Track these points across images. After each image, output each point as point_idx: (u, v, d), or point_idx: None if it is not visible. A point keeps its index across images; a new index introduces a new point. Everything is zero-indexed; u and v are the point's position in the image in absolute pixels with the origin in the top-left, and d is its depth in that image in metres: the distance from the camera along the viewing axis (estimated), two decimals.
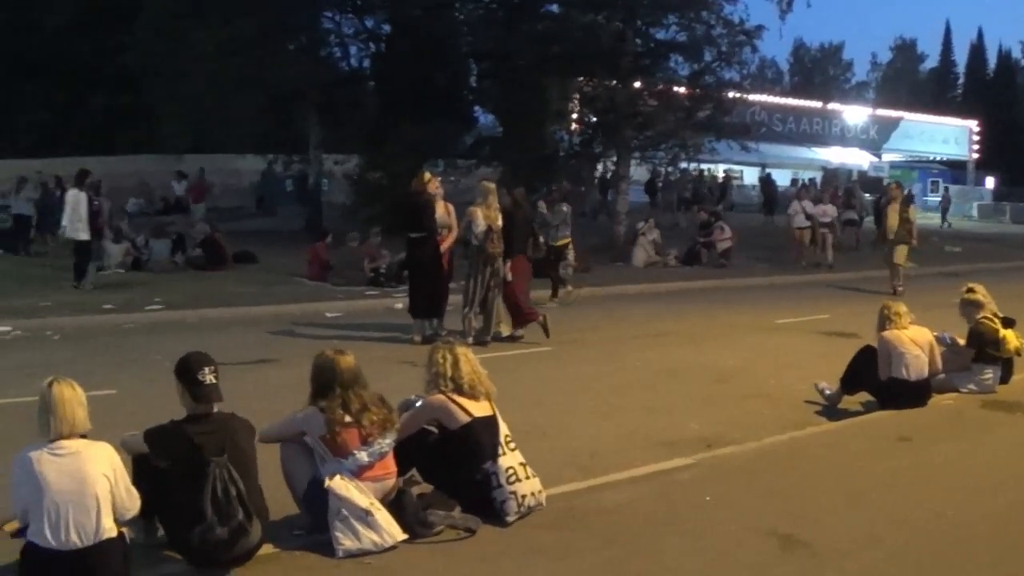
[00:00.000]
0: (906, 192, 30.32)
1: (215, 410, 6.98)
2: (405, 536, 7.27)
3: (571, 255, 23.59)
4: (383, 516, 7.22)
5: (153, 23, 38.25)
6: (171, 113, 41.30)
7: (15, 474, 6.22)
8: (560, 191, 26.84)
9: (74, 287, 21.79)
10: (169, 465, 6.81)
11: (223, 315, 19.55)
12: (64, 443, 6.19)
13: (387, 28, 38.34)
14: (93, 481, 6.16)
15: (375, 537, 7.11)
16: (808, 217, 31.35)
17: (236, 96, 34.31)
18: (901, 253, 24.96)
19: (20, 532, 6.39)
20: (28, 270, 25.58)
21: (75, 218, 22.10)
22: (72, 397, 6.27)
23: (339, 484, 7.19)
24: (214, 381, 6.91)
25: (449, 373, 8.06)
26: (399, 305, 19.38)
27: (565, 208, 23.66)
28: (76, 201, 22.28)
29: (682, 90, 35.27)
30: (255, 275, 24.76)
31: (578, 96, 37.23)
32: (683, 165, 41.11)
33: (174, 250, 26.72)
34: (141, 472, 6.88)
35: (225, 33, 31.64)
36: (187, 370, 6.92)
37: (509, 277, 16.66)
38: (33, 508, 6.10)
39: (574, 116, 38.28)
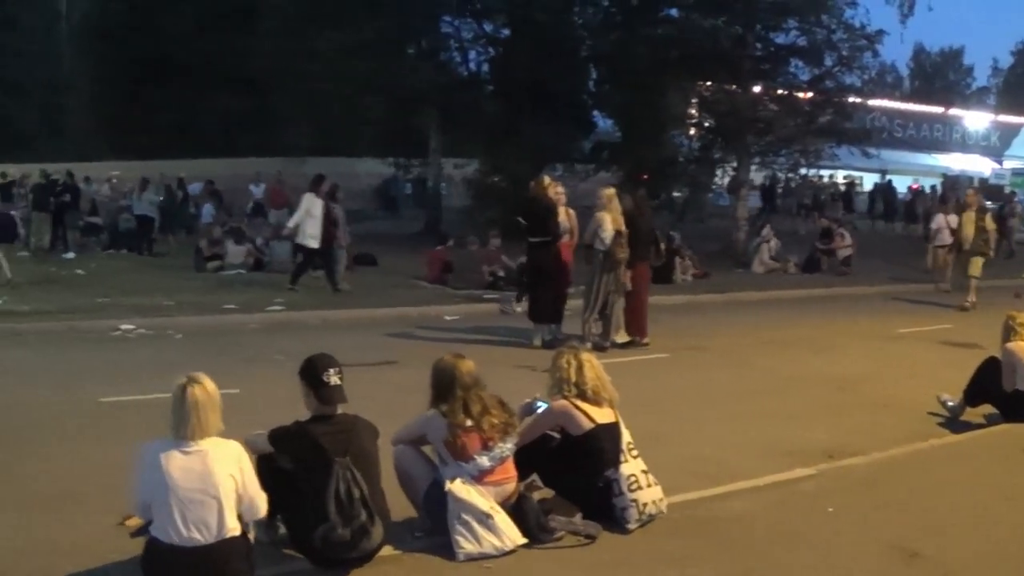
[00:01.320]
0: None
1: (339, 411, 7.00)
2: (525, 541, 7.25)
3: None
4: (503, 520, 7.21)
5: (276, 26, 38.75)
6: (294, 115, 41.80)
7: (140, 466, 6.28)
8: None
9: (289, 289, 21.91)
10: (293, 465, 6.86)
11: (343, 317, 19.71)
12: (193, 441, 6.23)
13: (506, 32, 38.39)
14: (219, 480, 6.21)
15: (495, 541, 7.11)
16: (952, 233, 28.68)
17: (358, 99, 34.63)
18: (976, 265, 23.72)
19: (142, 531, 6.51)
20: (150, 270, 26.03)
21: (308, 224, 22.11)
22: (205, 400, 6.28)
23: (459, 487, 7.21)
24: (339, 383, 6.94)
25: (573, 378, 8.01)
26: (518, 309, 19.40)
27: None
28: (310, 206, 22.24)
29: (803, 95, 34.90)
30: (375, 277, 24.92)
31: (697, 101, 36.99)
32: (803, 171, 40.65)
33: (295, 251, 26.96)
34: (265, 471, 6.87)
35: (347, 37, 31.91)
36: (312, 371, 6.95)
37: (628, 286, 16.53)
38: (157, 504, 6.16)
39: (692, 121, 38.06)
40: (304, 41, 34.61)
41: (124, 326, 18.24)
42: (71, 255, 29.37)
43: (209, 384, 6.37)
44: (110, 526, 7.50)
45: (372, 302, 21.07)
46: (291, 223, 22.75)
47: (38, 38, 64.36)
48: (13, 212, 31.91)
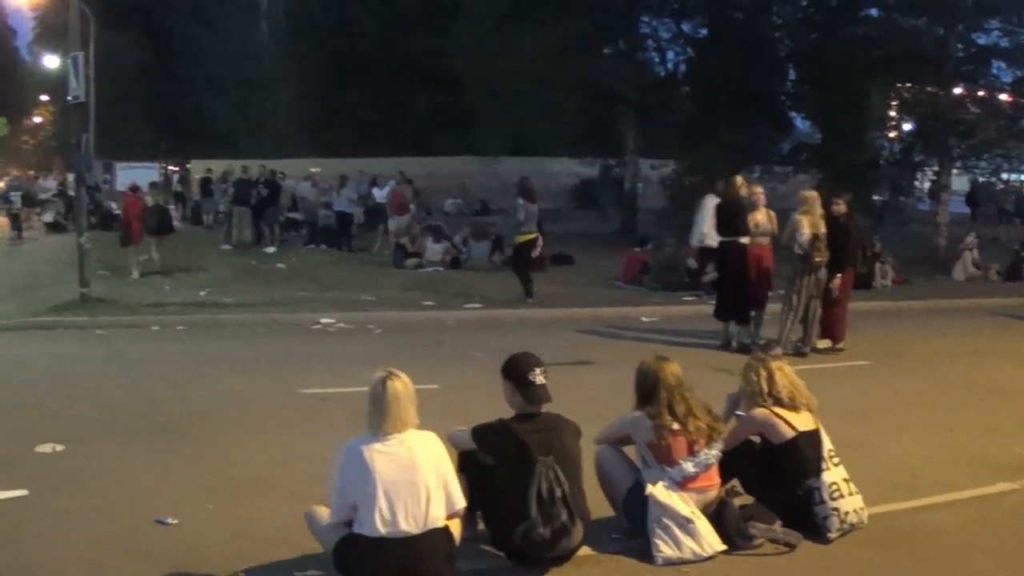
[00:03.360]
0: None
1: (543, 410, 7.04)
2: (724, 547, 7.22)
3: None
4: (704, 525, 7.18)
5: (473, 26, 39.09)
6: (490, 115, 42.06)
7: (342, 463, 6.43)
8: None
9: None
10: (496, 462, 6.92)
11: (540, 315, 19.82)
12: (393, 435, 6.36)
13: (703, 31, 38.21)
14: (424, 470, 6.33)
15: (695, 546, 7.08)
16: None
17: (555, 98, 34.78)
18: None
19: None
20: (350, 265, 26.66)
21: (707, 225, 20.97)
22: (405, 393, 6.40)
23: (661, 491, 7.19)
24: (544, 382, 6.97)
25: (766, 389, 7.95)
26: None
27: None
28: (709, 206, 21.07)
29: (1005, 97, 34.04)
30: (572, 277, 25.04)
31: (897, 102, 36.34)
32: (1005, 176, 39.61)
33: (492, 250, 27.23)
34: (466, 467, 7.01)
35: (545, 36, 32.09)
36: (517, 370, 7.01)
37: (835, 293, 16.29)
38: (362, 499, 6.28)
39: (893, 123, 37.40)
40: (502, 40, 34.90)
41: (324, 320, 18.77)
42: (272, 249, 30.08)
43: (405, 378, 6.50)
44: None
45: (569, 302, 21.20)
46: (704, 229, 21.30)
47: (239, 38, 65.94)
48: (170, 205, 33.03)
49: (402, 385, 6.43)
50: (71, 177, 32.31)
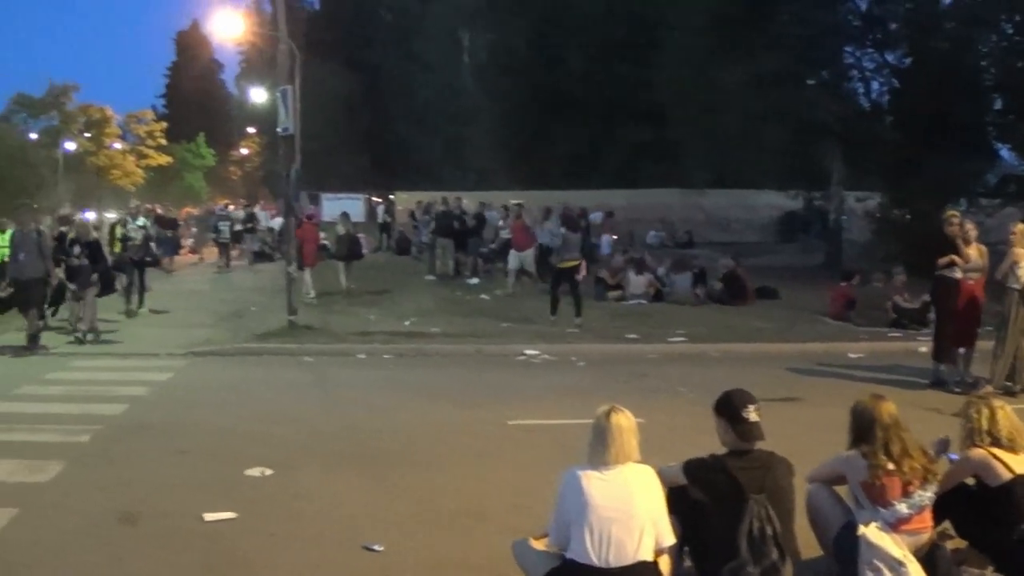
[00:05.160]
0: None
1: (756, 447, 6.98)
2: None
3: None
4: (915, 568, 6.99)
5: (677, 59, 39.13)
6: (695, 147, 42.01)
7: (562, 489, 6.47)
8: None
9: None
10: (706, 498, 6.84)
11: (745, 350, 19.61)
12: (614, 466, 6.41)
13: (907, 62, 37.63)
14: (639, 503, 6.35)
15: None
16: None
17: (761, 130, 34.63)
18: None
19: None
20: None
21: None
22: (628, 427, 6.47)
23: (874, 532, 7.04)
24: (757, 419, 6.86)
25: (985, 427, 7.76)
26: (923, 348, 18.89)
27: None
28: None
29: None
30: (777, 311, 24.67)
31: None
32: None
33: (695, 283, 27.14)
34: (676, 501, 6.91)
35: (749, 68, 32.01)
36: (730, 407, 6.92)
37: None
38: (575, 525, 6.32)
39: None
40: (705, 73, 34.91)
41: (528, 351, 18.99)
42: (475, 280, 30.49)
43: (629, 413, 6.57)
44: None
45: (774, 336, 20.96)
46: None
47: (442, 72, 67.08)
48: (359, 235, 33.49)
49: (625, 419, 6.52)
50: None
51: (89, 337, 20.31)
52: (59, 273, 20.44)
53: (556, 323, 21.89)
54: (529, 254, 28.73)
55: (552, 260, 23.77)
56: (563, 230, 22.70)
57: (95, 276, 20.40)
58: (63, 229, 22.16)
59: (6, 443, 12.04)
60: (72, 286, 20.47)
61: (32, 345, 19.31)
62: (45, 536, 8.75)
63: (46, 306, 20.93)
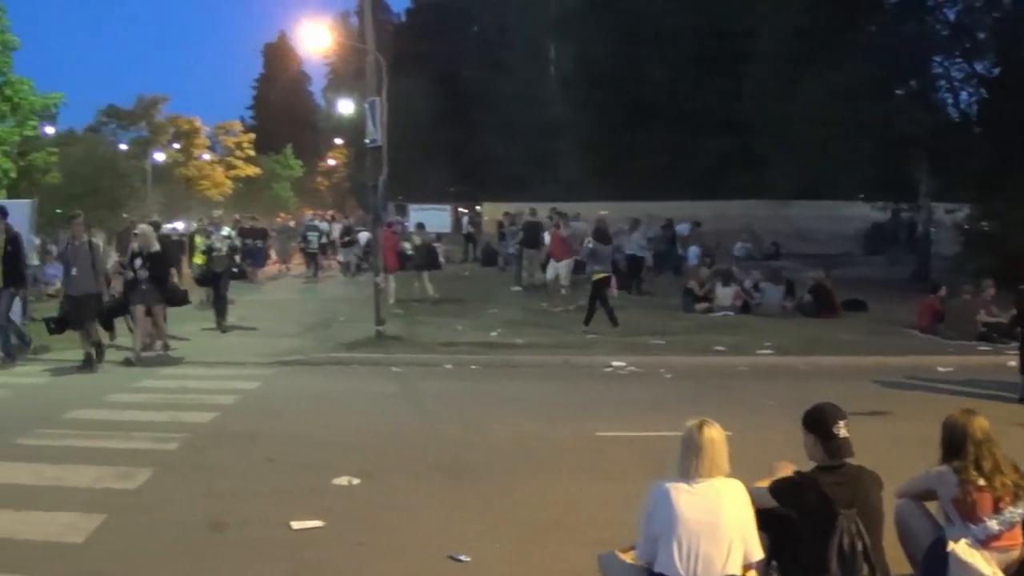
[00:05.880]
0: None
1: (846, 463, 6.92)
2: None
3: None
4: None
5: (763, 70, 38.99)
6: (780, 158, 41.81)
7: (650, 503, 6.50)
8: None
9: None
10: (796, 514, 6.82)
11: (833, 363, 19.38)
12: (703, 479, 6.43)
13: (996, 71, 37.22)
14: (728, 517, 6.36)
15: None
16: None
17: (847, 142, 34.42)
18: None
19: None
20: (639, 309, 26.87)
21: None
22: (719, 440, 6.49)
23: (964, 549, 6.99)
24: (847, 435, 6.83)
25: None
26: (1012, 363, 18.67)
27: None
28: None
29: None
30: (864, 324, 24.40)
31: None
32: None
33: (784, 295, 27.00)
34: (765, 516, 6.88)
35: (836, 79, 31.84)
36: (820, 422, 6.90)
37: None
38: (664, 538, 6.33)
39: None
40: (792, 84, 34.76)
41: (615, 363, 19.00)
42: (562, 292, 30.54)
43: (719, 427, 6.59)
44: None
45: (862, 349, 20.70)
46: None
47: (528, 83, 67.28)
48: (436, 244, 34.03)
49: (716, 432, 6.54)
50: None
51: (148, 354, 19.79)
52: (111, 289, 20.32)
53: (588, 332, 22.19)
54: (565, 264, 28.14)
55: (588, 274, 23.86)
56: (594, 243, 23.04)
57: (153, 289, 19.60)
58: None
59: (95, 450, 12.30)
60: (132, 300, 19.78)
61: (89, 364, 18.72)
62: (132, 543, 8.91)
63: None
